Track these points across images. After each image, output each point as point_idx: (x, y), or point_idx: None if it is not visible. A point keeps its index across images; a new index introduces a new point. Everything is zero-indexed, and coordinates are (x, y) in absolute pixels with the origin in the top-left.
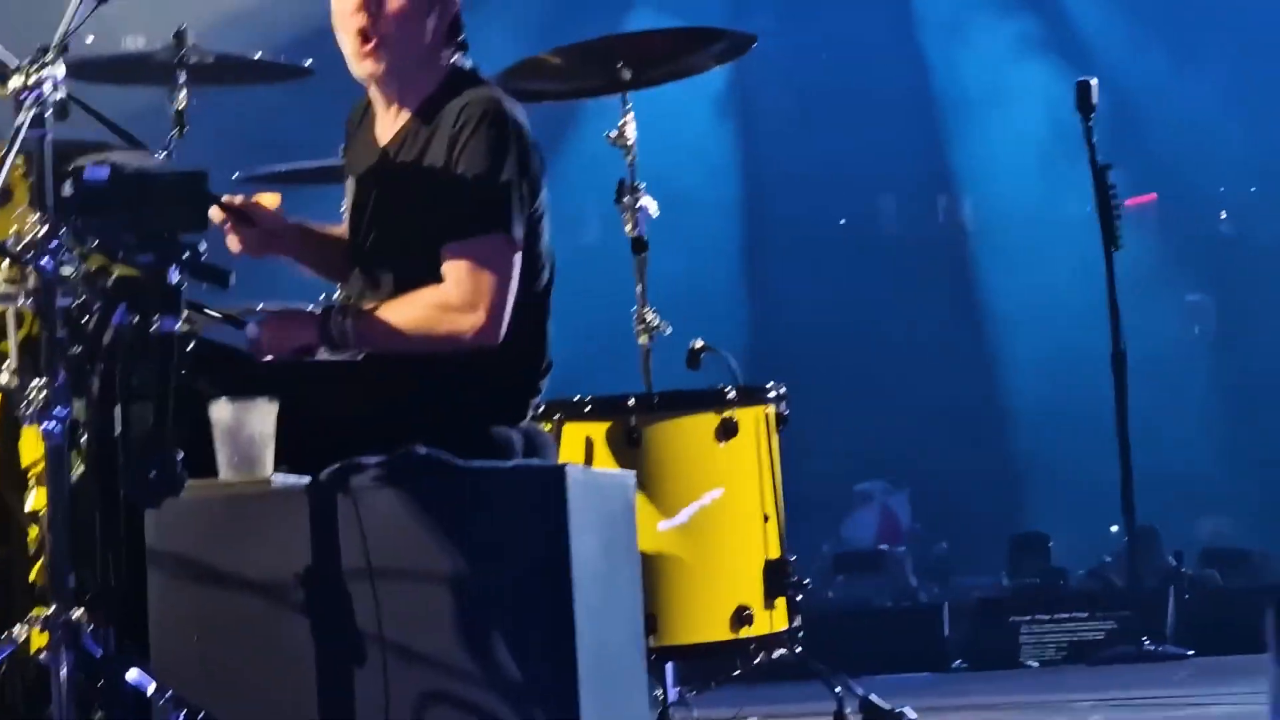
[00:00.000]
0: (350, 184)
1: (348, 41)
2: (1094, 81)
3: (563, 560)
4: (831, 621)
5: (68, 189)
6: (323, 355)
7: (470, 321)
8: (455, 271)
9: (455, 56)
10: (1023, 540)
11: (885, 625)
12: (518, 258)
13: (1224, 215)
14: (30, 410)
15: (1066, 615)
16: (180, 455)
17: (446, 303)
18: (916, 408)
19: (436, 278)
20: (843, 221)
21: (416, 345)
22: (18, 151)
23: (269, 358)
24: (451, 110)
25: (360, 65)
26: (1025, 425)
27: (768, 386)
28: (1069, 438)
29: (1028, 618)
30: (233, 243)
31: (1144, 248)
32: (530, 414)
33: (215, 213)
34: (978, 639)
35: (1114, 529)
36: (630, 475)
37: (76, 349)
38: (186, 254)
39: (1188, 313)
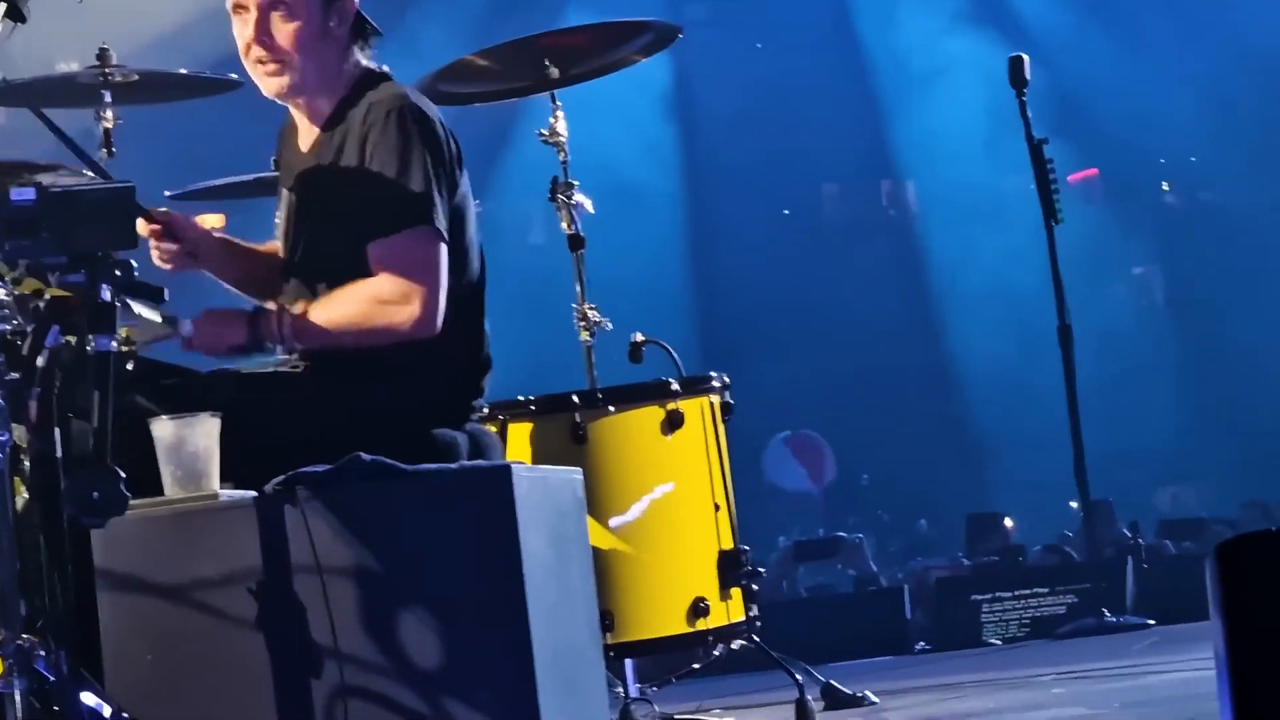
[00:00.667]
0: (281, 195)
1: (251, 67)
2: (1026, 57)
3: (514, 560)
4: (793, 610)
5: None
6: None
7: (406, 314)
8: (384, 267)
9: (362, 56)
10: (981, 520)
11: (846, 611)
12: (444, 248)
13: (1166, 186)
14: None
15: (1027, 591)
16: (122, 475)
17: (379, 296)
18: (868, 393)
19: (365, 282)
20: (786, 212)
21: (352, 340)
22: None
23: (204, 354)
24: (358, 112)
25: (266, 85)
26: (979, 405)
27: (711, 376)
28: (1022, 415)
29: (988, 596)
30: (156, 257)
31: (1089, 222)
32: (474, 415)
33: (140, 225)
34: (939, 620)
35: (1073, 504)
36: (577, 472)
37: (12, 375)
38: (118, 271)
39: (1136, 285)
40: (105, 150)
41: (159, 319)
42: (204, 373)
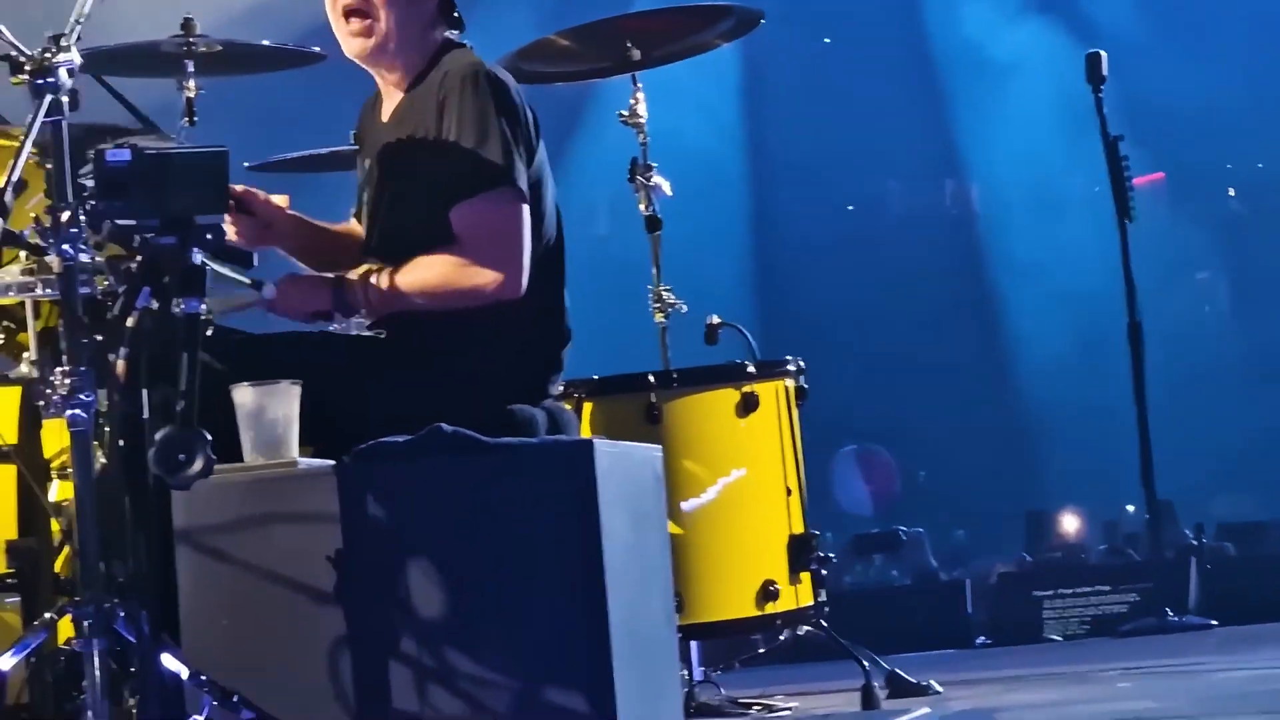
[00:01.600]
0: (362, 167)
1: (337, 22)
2: (1104, 54)
3: (594, 536)
4: (853, 602)
5: (89, 172)
6: (339, 325)
7: (490, 276)
8: (468, 230)
9: (448, 34)
10: (1040, 517)
11: (907, 604)
12: (526, 210)
13: (1232, 192)
14: (54, 398)
15: (1089, 589)
16: (209, 438)
17: (463, 260)
18: (929, 388)
19: (448, 246)
20: (850, 207)
21: (436, 304)
22: (34, 140)
23: (285, 317)
24: (435, 78)
25: (348, 44)
26: (1038, 403)
27: (787, 360)
28: (1084, 415)
29: (1050, 592)
30: (229, 230)
31: (1153, 226)
32: (552, 391)
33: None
34: (1000, 615)
35: (1130, 509)
36: (657, 449)
37: (98, 336)
38: (209, 235)
39: (1198, 290)
40: (187, 119)
41: (246, 281)
42: (281, 334)
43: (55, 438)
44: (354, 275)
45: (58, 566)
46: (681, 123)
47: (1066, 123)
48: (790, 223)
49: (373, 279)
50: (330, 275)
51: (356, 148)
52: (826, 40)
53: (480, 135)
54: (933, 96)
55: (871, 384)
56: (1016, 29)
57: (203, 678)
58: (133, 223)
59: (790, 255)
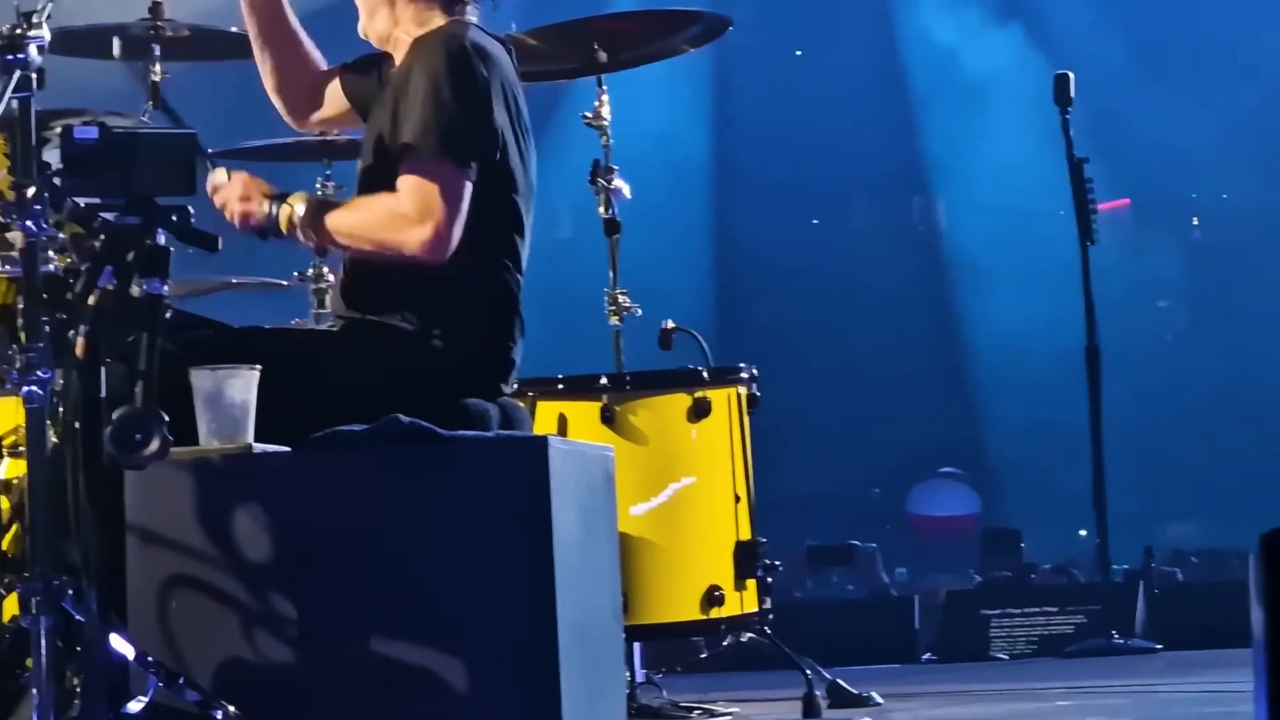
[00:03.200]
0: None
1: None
2: (1071, 75)
3: (544, 531)
4: (802, 612)
5: (56, 149)
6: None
7: (418, 234)
8: (405, 185)
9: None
10: (995, 535)
11: (856, 617)
12: (468, 182)
13: (1196, 222)
14: (10, 374)
15: (1036, 609)
16: (166, 419)
17: (396, 210)
18: (886, 403)
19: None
20: (815, 221)
21: (364, 244)
22: (3, 116)
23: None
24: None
25: (361, 22)
26: (997, 422)
27: (740, 367)
28: (1041, 435)
29: (997, 611)
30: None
31: (1116, 252)
32: (505, 388)
33: (220, 175)
34: (948, 632)
35: (1083, 533)
36: (610, 449)
37: (59, 315)
38: (174, 216)
39: (1159, 317)
40: (152, 104)
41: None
42: (239, 327)
43: (7, 416)
44: (299, 203)
45: (4, 545)
46: (649, 128)
47: (1035, 142)
48: (753, 233)
49: (312, 209)
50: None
51: (319, 139)
52: (798, 53)
53: (436, 97)
54: (903, 112)
55: (827, 398)
56: (988, 47)
57: (149, 659)
58: (98, 200)
59: (751, 266)
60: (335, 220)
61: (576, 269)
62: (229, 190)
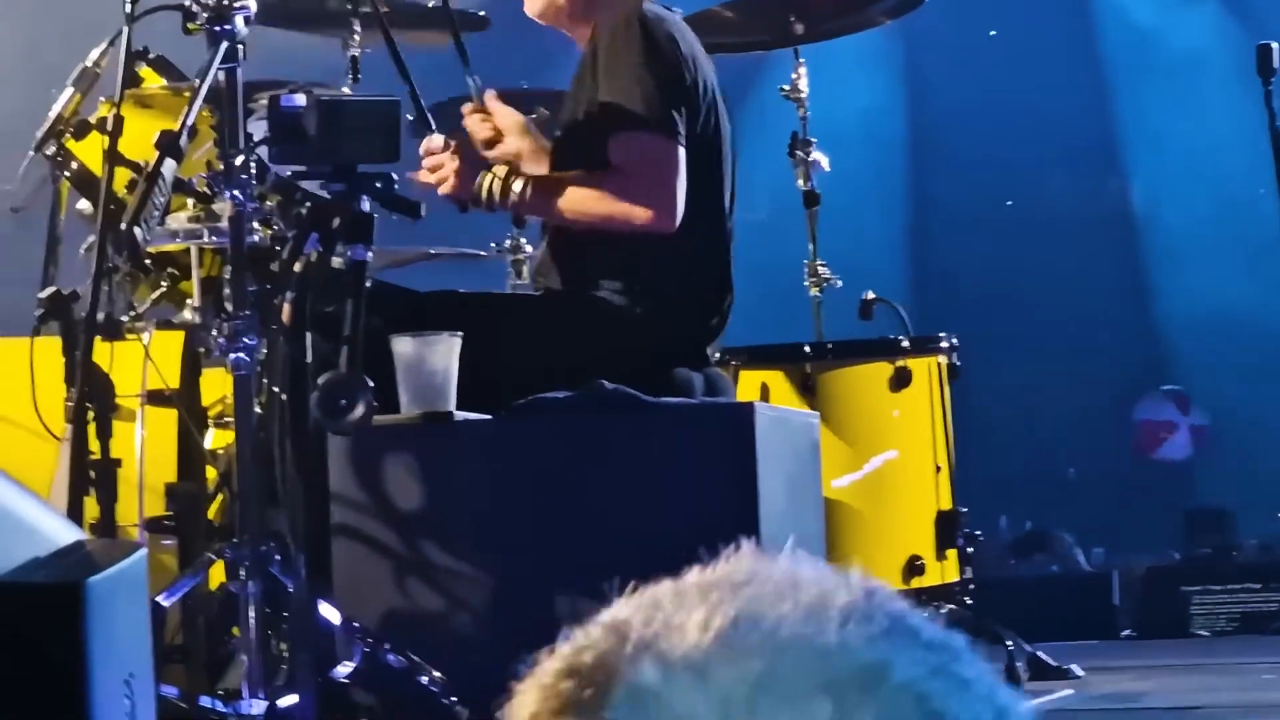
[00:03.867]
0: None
1: None
2: (1275, 45)
3: (751, 500)
4: (999, 588)
5: (261, 120)
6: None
7: (647, 204)
8: (625, 158)
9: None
10: (1199, 514)
11: (1054, 593)
12: (681, 149)
13: None
14: (218, 341)
15: (1239, 586)
16: (372, 384)
17: (623, 182)
18: (1083, 381)
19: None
20: (1009, 203)
21: (590, 217)
22: (209, 87)
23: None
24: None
25: (527, 4)
26: (1198, 401)
27: (940, 336)
28: (1244, 414)
29: (1198, 588)
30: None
31: None
32: (711, 357)
33: (437, 140)
34: (1148, 608)
35: None
36: (814, 416)
37: (265, 284)
38: (378, 184)
39: None
40: (351, 77)
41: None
42: (439, 292)
43: (213, 387)
44: (514, 178)
45: (211, 514)
46: (848, 106)
47: (1238, 118)
48: (948, 211)
49: (529, 182)
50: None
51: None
52: (992, 33)
53: (633, 75)
54: (1098, 91)
55: (1023, 375)
56: (1186, 22)
57: (355, 625)
58: (303, 168)
59: (948, 242)
60: (557, 193)
61: (777, 241)
62: (447, 157)
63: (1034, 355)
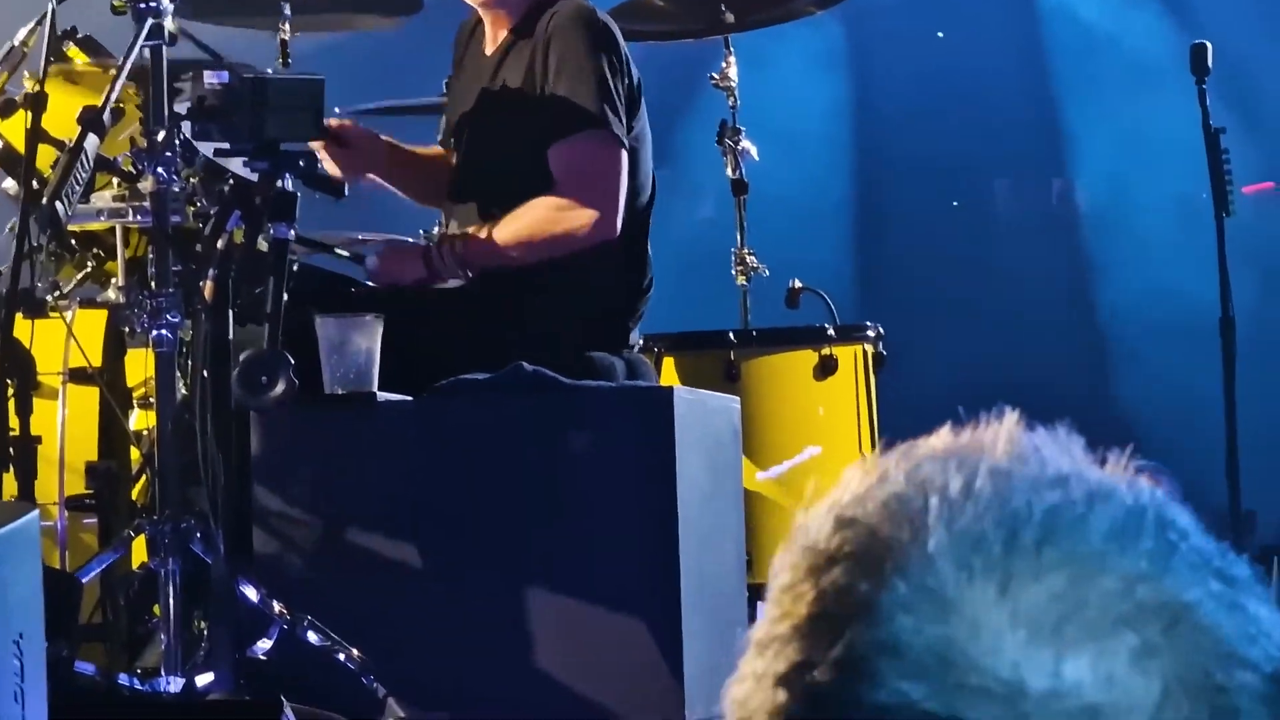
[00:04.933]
0: (453, 103)
1: None
2: (1209, 44)
3: (669, 483)
4: None
5: (187, 100)
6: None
7: (585, 217)
8: (564, 169)
9: None
10: None
11: None
12: (624, 154)
13: None
14: (141, 318)
15: None
16: (293, 361)
17: (559, 203)
18: (1018, 387)
19: (542, 189)
20: (955, 203)
21: (534, 253)
22: (133, 67)
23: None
24: (544, 21)
25: None
26: (1134, 403)
27: (866, 325)
28: (1179, 417)
29: None
30: (327, 163)
31: (1260, 236)
32: (631, 342)
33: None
34: None
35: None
36: (735, 401)
37: (189, 264)
38: (302, 162)
39: None
40: (281, 61)
41: (347, 255)
42: (365, 281)
43: (137, 367)
44: (452, 237)
45: (135, 495)
46: (790, 101)
47: (1176, 117)
48: (893, 209)
49: (469, 238)
50: (420, 244)
51: (443, 99)
52: (940, 34)
53: (582, 78)
54: (1044, 92)
55: (964, 373)
56: (1134, 22)
57: (275, 603)
58: (227, 145)
59: (892, 242)
60: (499, 237)
61: (708, 229)
62: (384, 273)
63: (976, 353)
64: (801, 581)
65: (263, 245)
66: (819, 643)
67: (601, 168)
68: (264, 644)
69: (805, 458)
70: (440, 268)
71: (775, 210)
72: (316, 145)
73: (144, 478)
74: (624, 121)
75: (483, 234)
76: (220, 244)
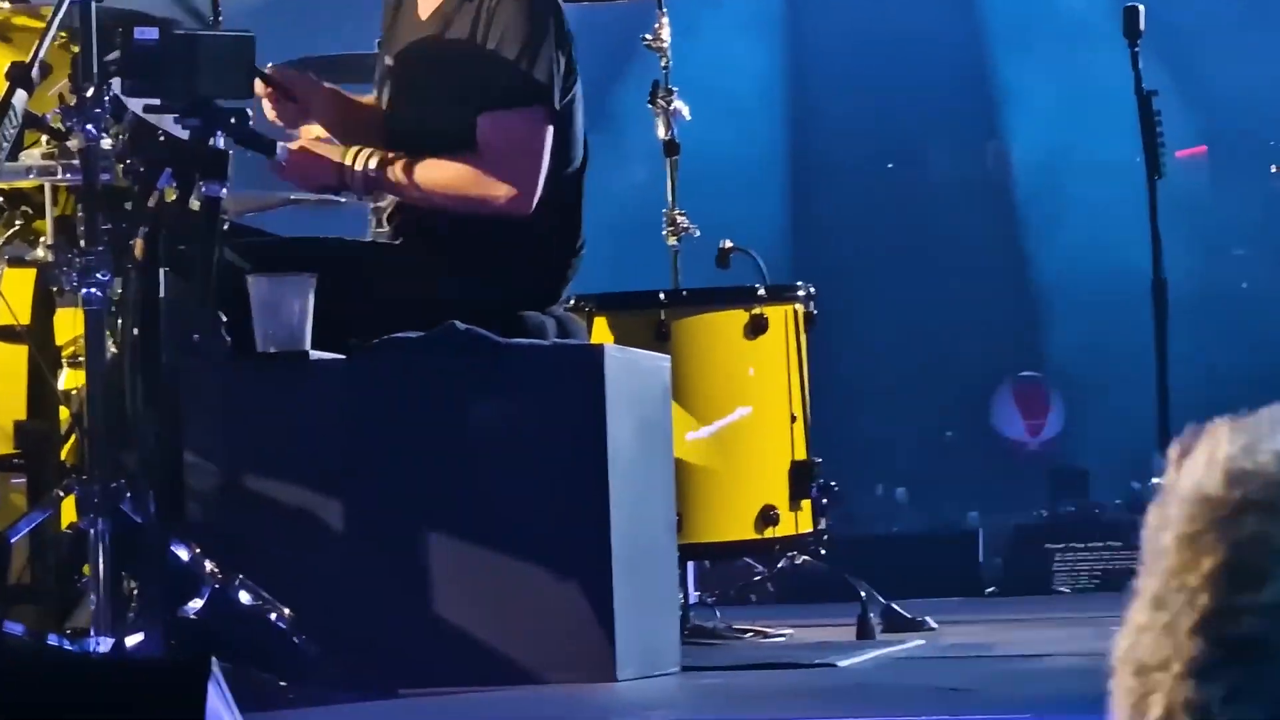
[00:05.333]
0: (386, 61)
1: None
2: (1141, 7)
3: (600, 440)
4: (861, 546)
5: (115, 57)
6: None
7: (504, 189)
8: (492, 140)
9: None
10: (1062, 474)
11: (918, 551)
12: (551, 131)
13: (1275, 169)
14: (70, 276)
15: (1100, 545)
16: (224, 318)
17: (482, 168)
18: (954, 340)
19: (467, 153)
20: (890, 165)
21: (443, 203)
22: (61, 22)
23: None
24: None
25: None
26: (1067, 361)
27: (797, 285)
28: (1110, 374)
29: (1061, 545)
30: (270, 113)
31: (1193, 200)
32: (562, 301)
33: (257, 86)
34: (1012, 566)
35: (1154, 481)
36: (665, 360)
37: (120, 225)
38: (234, 119)
39: (1234, 266)
40: (212, 17)
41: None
42: (297, 238)
43: (66, 327)
44: (371, 157)
45: (64, 455)
46: (718, 60)
47: (1108, 80)
48: (828, 173)
49: (387, 165)
50: (339, 155)
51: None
52: None
53: (526, 48)
54: (976, 53)
55: (897, 334)
56: None
57: (206, 561)
58: (157, 102)
59: (827, 204)
60: (417, 176)
61: (640, 192)
62: (291, 169)
63: (908, 313)
64: (1205, 532)
65: (194, 205)
66: (1240, 590)
67: (529, 144)
68: (195, 604)
69: (736, 417)
70: (349, 181)
71: (708, 172)
72: (262, 93)
73: (73, 438)
74: (558, 93)
75: (400, 166)
76: (151, 202)
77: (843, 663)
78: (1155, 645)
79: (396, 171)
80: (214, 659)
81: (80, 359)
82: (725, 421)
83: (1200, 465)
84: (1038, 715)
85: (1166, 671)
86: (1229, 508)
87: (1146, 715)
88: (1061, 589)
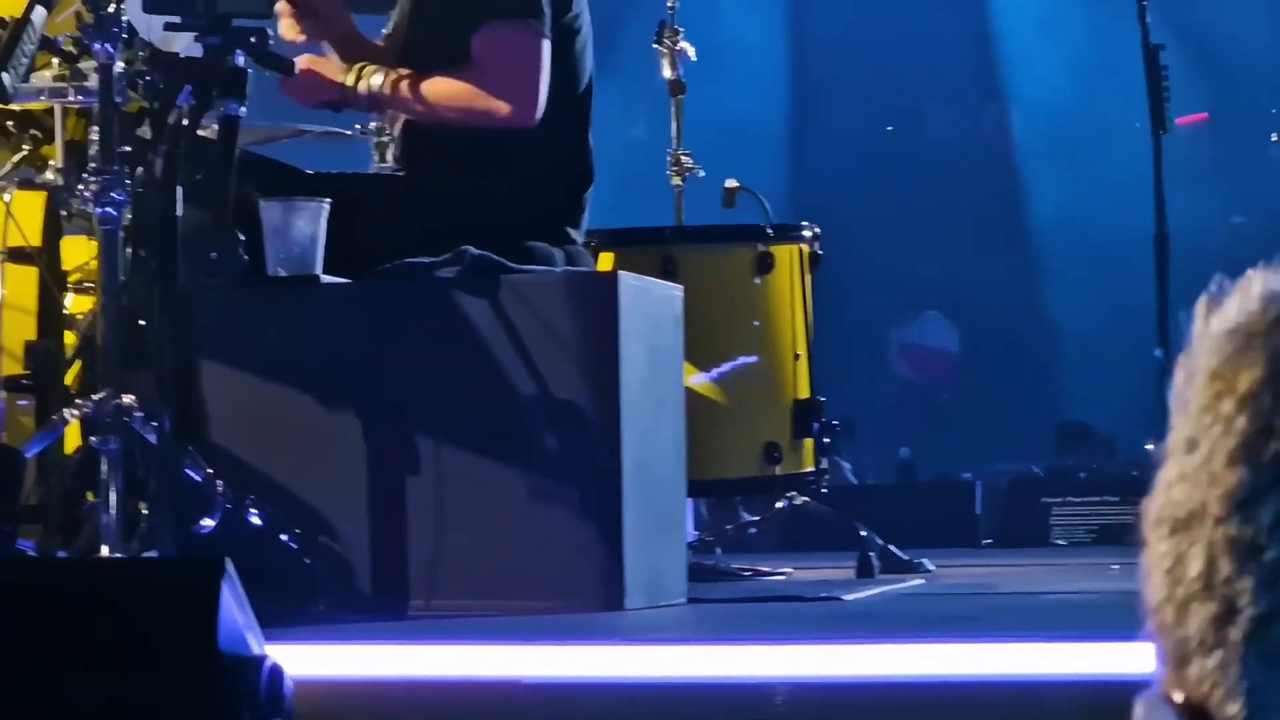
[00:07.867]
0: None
1: None
2: None
3: (612, 366)
4: (861, 496)
5: None
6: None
7: (508, 100)
8: (487, 55)
9: None
10: (1070, 428)
11: (917, 502)
12: (547, 44)
13: (1275, 138)
14: (85, 195)
15: (1098, 499)
16: (241, 238)
17: (480, 82)
18: (956, 289)
19: (466, 69)
20: (890, 128)
21: (451, 112)
22: None
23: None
24: None
25: None
26: (1064, 316)
27: (803, 225)
28: (1110, 330)
29: (1059, 499)
30: (288, 32)
31: (1193, 167)
32: (572, 235)
33: (278, 4)
34: (1009, 518)
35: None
36: (678, 289)
37: (135, 145)
38: (253, 39)
39: (1232, 234)
40: None
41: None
42: (309, 171)
43: (72, 253)
44: (375, 74)
45: (69, 379)
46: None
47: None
48: (830, 134)
49: (391, 81)
50: (343, 74)
51: None
52: None
53: None
54: (979, 19)
55: (896, 288)
56: None
57: (218, 481)
58: (177, 19)
59: (827, 165)
60: (421, 90)
61: (645, 133)
62: (294, 82)
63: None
64: (1238, 353)
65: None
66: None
67: (524, 56)
68: (208, 522)
69: (740, 364)
70: (353, 100)
71: (710, 120)
72: (283, 10)
73: (77, 363)
74: (550, 14)
75: (405, 82)
76: (170, 119)
77: (847, 596)
78: (1189, 492)
79: (400, 87)
80: (228, 559)
81: (85, 285)
82: (730, 367)
83: (1232, 307)
84: (1049, 635)
85: (1204, 517)
86: (1265, 324)
87: (1185, 578)
88: (1059, 542)
